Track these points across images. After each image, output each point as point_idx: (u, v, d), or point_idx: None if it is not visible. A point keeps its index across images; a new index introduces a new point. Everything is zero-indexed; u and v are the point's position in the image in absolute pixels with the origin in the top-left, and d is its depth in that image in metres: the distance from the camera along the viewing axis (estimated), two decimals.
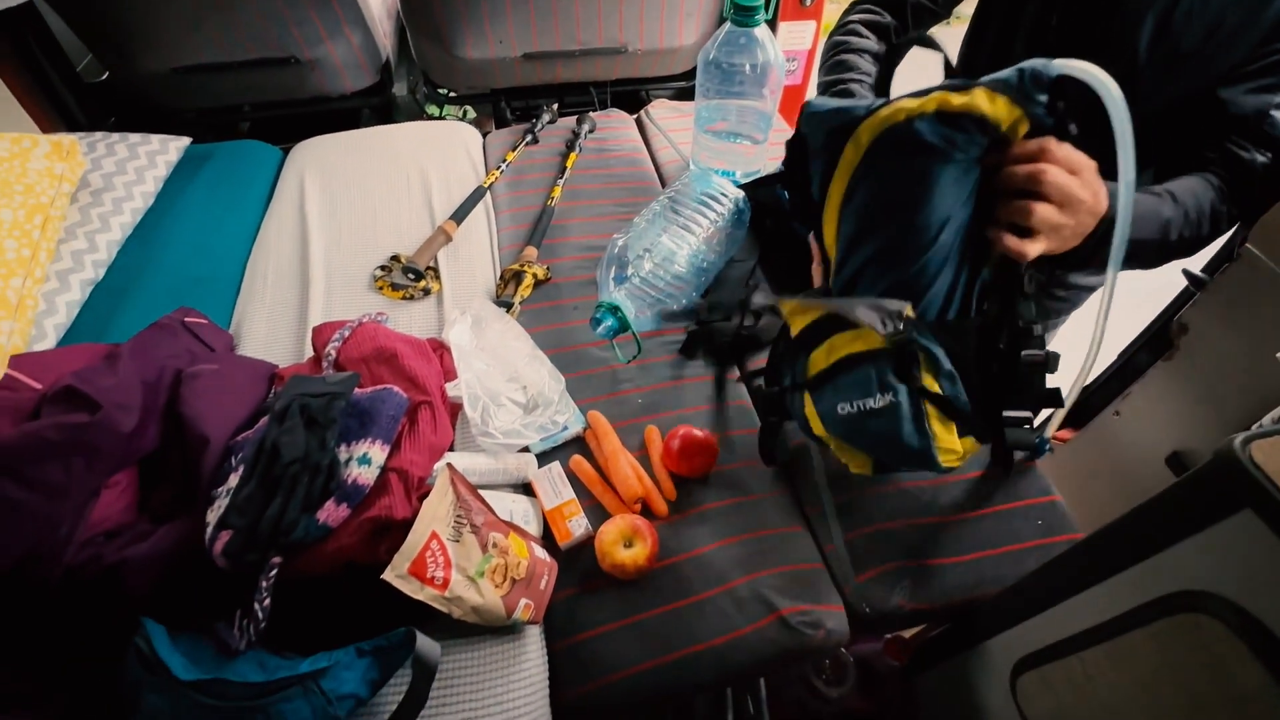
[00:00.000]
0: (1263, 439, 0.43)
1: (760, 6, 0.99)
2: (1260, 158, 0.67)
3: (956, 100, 0.53)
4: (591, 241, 1.11)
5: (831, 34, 0.94)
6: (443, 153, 1.27)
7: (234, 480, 0.65)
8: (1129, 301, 0.78)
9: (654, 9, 1.45)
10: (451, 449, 0.79)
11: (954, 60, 0.97)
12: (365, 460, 0.65)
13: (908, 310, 0.57)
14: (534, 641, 0.69)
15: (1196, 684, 0.46)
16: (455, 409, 0.81)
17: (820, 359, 0.65)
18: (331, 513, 0.62)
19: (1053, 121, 0.54)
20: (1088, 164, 0.56)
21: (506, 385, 0.84)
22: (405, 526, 0.64)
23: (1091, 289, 0.98)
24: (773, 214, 1.08)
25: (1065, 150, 0.54)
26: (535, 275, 1.02)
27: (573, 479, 0.80)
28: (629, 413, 0.88)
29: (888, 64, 0.93)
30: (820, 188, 0.63)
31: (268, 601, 0.59)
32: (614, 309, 0.89)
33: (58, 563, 0.59)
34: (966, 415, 0.60)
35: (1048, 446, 0.72)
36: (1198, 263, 0.81)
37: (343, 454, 0.66)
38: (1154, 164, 0.82)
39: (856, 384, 0.62)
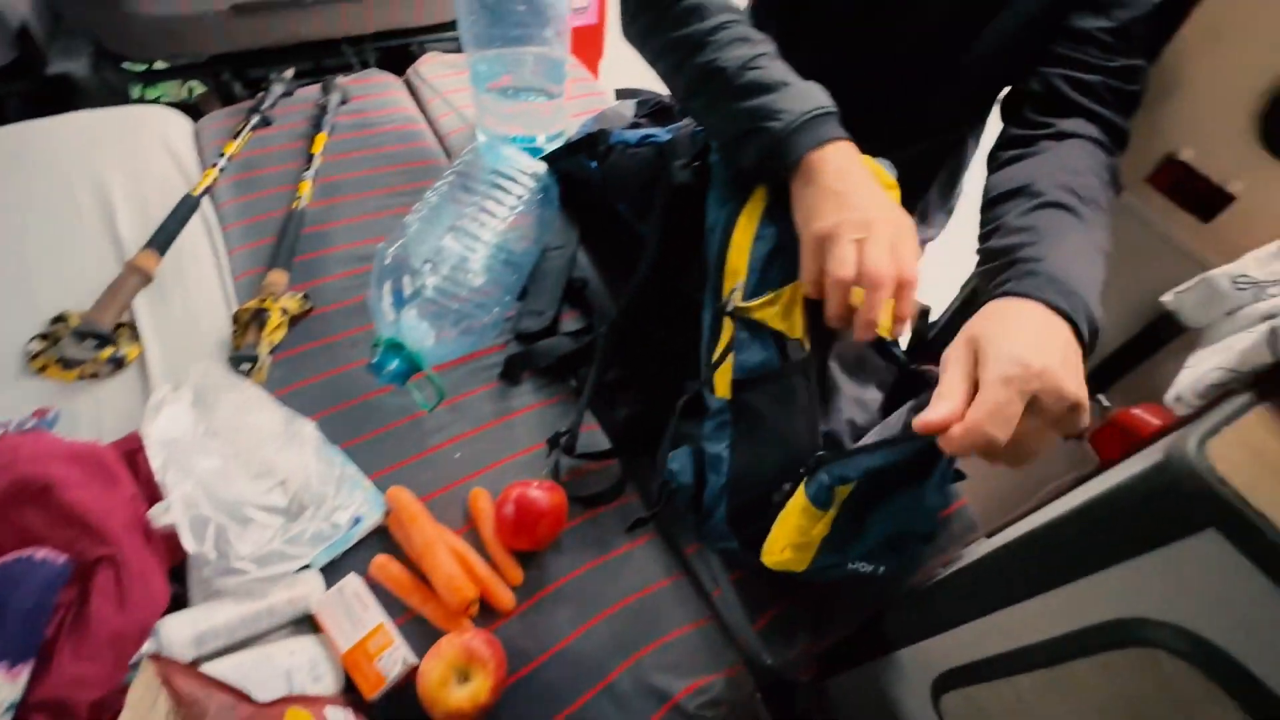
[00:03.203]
0: (1216, 437, 0.34)
1: None
2: (1140, 64, 0.56)
3: None
4: (364, 249, 0.86)
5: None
6: (129, 152, 0.92)
7: None
8: None
9: None
10: (176, 605, 0.54)
11: None
12: None
13: None
14: None
15: None
16: (170, 542, 0.55)
17: None
18: None
19: None
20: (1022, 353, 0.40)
21: (253, 487, 0.59)
22: None
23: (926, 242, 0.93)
24: (585, 187, 0.89)
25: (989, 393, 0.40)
26: (286, 310, 0.75)
27: (379, 591, 0.59)
28: (446, 475, 0.68)
29: None
30: (734, 208, 0.57)
31: None
32: (394, 346, 0.66)
33: None
34: None
35: None
36: None
37: None
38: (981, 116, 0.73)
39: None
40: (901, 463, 0.45)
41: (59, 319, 0.72)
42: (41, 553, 0.46)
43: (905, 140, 0.70)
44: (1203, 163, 0.57)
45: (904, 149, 0.74)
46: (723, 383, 0.59)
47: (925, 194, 0.83)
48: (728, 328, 0.57)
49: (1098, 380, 0.70)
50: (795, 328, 0.53)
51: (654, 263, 0.69)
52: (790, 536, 0.49)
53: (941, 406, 0.40)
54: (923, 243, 0.93)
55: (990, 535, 0.62)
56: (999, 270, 0.49)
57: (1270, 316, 0.40)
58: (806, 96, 0.51)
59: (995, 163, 0.59)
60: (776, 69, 0.53)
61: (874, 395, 0.60)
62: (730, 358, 0.58)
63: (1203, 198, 0.58)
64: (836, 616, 0.63)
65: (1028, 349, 0.40)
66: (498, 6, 0.83)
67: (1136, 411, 0.62)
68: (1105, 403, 0.69)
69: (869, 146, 0.53)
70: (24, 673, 0.41)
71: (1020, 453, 0.40)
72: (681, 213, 0.64)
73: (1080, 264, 0.46)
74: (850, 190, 0.48)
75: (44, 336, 0.71)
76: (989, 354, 0.41)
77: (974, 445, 0.39)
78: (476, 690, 0.51)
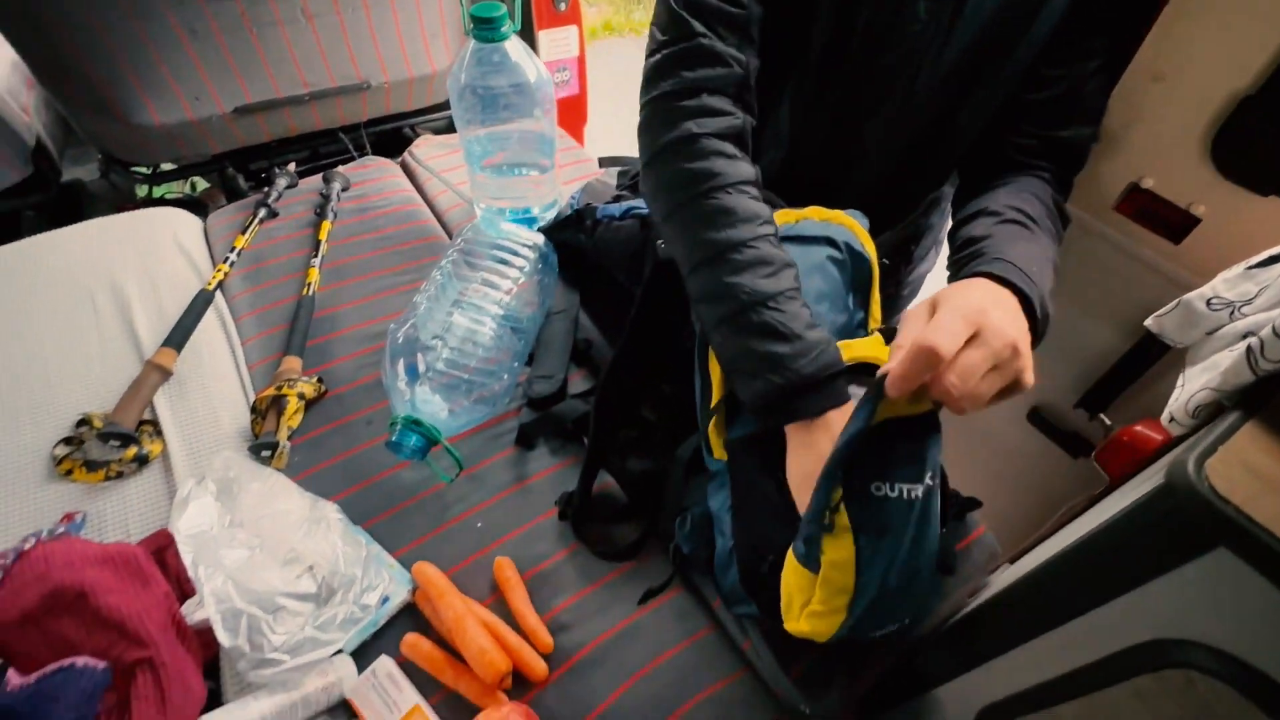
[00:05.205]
0: (1212, 456, 0.35)
1: (504, 16, 0.83)
2: (1086, 130, 0.61)
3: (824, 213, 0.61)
4: (373, 328, 0.89)
5: (672, 159, 0.57)
6: (141, 253, 0.96)
7: None
8: None
9: (388, 34, 1.24)
10: (210, 701, 0.54)
11: None
12: None
13: None
14: None
15: None
16: (204, 638, 0.56)
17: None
18: None
19: None
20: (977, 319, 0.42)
21: (282, 574, 0.60)
22: None
23: (924, 274, 0.97)
24: (580, 254, 0.93)
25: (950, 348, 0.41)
26: (303, 394, 0.77)
27: (411, 670, 0.59)
28: (470, 546, 0.68)
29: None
30: None
31: None
32: (413, 423, 0.68)
33: None
34: None
35: None
36: None
37: None
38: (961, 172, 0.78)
39: (909, 457, 0.47)
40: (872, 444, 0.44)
41: (83, 422, 0.74)
42: (81, 661, 0.47)
43: (909, 203, 0.76)
44: (1164, 189, 0.61)
45: (909, 211, 0.78)
46: (717, 444, 0.61)
47: (922, 238, 0.87)
48: (718, 388, 0.58)
49: (1096, 400, 0.72)
50: None
51: (635, 333, 0.71)
52: (799, 597, 0.49)
53: (899, 355, 0.43)
54: (923, 275, 0.97)
55: (1013, 561, 0.63)
56: (964, 262, 0.53)
57: (1248, 334, 0.42)
58: (818, 355, 0.49)
59: (957, 207, 0.63)
60: (792, 312, 0.51)
61: None
62: (720, 419, 0.59)
63: (1170, 222, 0.61)
64: (871, 657, 0.63)
65: (979, 299, 0.44)
66: (487, 93, 0.88)
67: (1139, 428, 0.64)
68: (1108, 421, 0.71)
69: (880, 212, 0.60)
70: None
71: (965, 380, 0.41)
72: (669, 281, 0.66)
73: (1034, 262, 0.50)
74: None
75: (68, 441, 0.73)
76: (941, 303, 0.44)
77: (922, 357, 0.41)
78: None
